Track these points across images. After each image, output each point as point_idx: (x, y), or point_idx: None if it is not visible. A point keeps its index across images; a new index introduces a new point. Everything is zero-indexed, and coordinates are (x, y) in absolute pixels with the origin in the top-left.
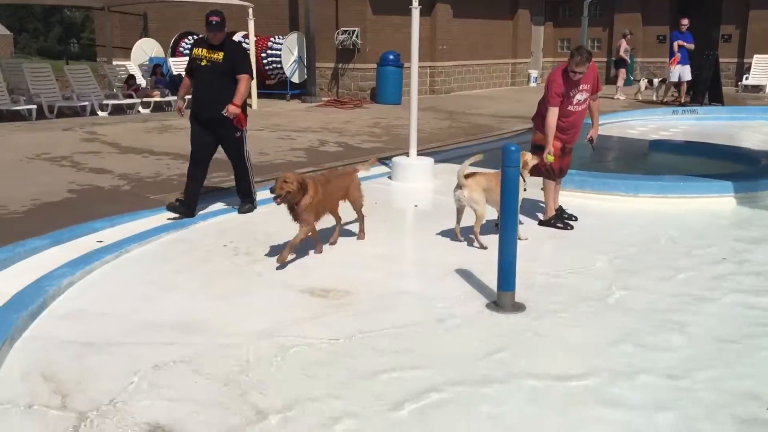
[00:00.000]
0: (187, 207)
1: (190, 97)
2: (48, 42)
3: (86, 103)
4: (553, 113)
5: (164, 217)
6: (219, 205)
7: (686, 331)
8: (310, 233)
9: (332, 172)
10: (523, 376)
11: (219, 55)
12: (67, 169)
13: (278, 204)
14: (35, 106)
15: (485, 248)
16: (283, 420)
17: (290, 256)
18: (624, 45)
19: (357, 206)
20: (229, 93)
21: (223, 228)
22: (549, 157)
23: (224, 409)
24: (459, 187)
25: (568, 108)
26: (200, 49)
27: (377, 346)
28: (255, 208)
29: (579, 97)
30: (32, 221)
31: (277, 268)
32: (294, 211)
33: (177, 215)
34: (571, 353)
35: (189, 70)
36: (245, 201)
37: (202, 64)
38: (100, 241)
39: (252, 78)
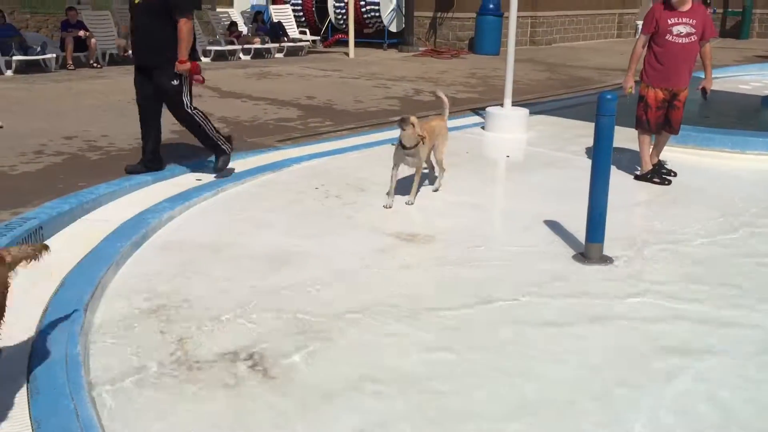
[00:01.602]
0: (149, 162)
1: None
2: None
3: None
4: (639, 40)
5: (260, 159)
6: (312, 149)
7: None
8: None
9: None
10: (607, 323)
11: None
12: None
13: None
14: None
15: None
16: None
17: None
18: None
19: None
20: (162, 38)
21: (315, 171)
22: (629, 90)
23: (296, 334)
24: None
25: (666, 38)
26: None
27: (457, 286)
28: (230, 151)
29: (680, 29)
30: (138, 158)
31: None
32: None
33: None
34: (658, 307)
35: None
36: (217, 155)
37: (135, 1)
38: (199, 180)
39: (191, 19)
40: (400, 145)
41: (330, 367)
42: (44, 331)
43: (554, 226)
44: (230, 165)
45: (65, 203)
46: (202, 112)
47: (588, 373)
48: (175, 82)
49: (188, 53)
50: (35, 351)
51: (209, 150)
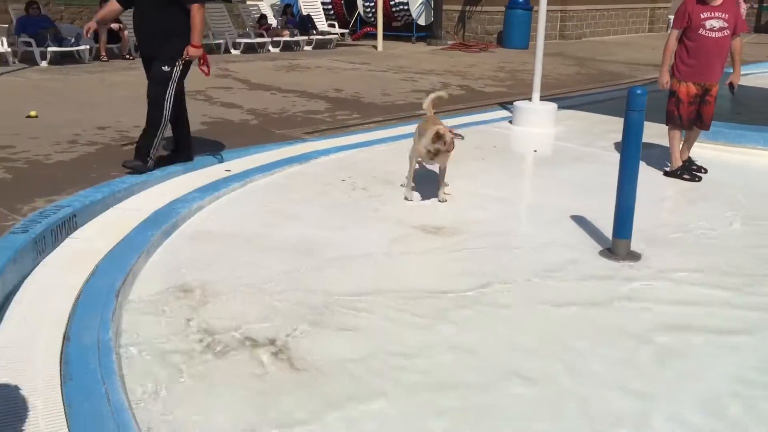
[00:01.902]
0: (178, 152)
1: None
2: None
3: (221, 41)
4: (672, 35)
5: (288, 150)
6: (340, 141)
7: None
8: None
9: None
10: (629, 318)
11: None
12: (200, 102)
13: None
14: None
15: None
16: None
17: None
18: None
19: None
20: (168, 28)
21: (343, 164)
22: (666, 85)
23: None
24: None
25: (699, 32)
26: None
27: (477, 274)
28: (149, 169)
29: (713, 23)
30: (168, 149)
31: None
32: None
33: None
34: (684, 308)
35: None
36: (137, 157)
37: None
38: (228, 170)
39: (204, 6)
40: (430, 153)
41: (356, 351)
42: (77, 317)
43: (581, 220)
44: (260, 155)
45: (98, 192)
46: (170, 115)
47: (605, 351)
48: (166, 68)
49: (200, 40)
50: (68, 337)
51: (136, 151)
